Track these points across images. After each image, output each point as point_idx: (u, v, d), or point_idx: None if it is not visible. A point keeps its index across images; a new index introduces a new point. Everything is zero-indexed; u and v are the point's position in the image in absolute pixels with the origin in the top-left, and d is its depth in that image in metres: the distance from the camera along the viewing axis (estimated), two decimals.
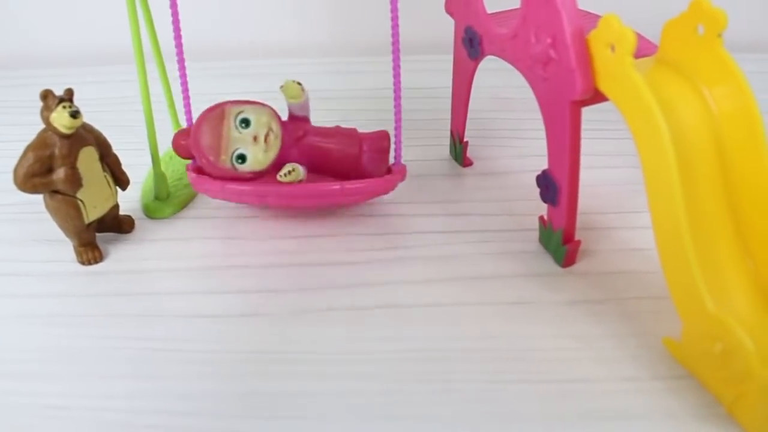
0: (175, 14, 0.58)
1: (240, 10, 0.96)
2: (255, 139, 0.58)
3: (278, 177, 0.58)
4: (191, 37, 0.66)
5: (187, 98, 0.60)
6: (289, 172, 0.58)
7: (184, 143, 0.59)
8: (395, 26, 0.58)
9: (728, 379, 0.44)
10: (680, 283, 0.46)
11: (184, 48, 0.59)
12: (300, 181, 0.59)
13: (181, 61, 0.59)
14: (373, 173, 0.61)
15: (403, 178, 0.62)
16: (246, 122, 0.58)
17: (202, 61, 0.72)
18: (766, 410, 0.42)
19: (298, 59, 0.91)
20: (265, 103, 0.60)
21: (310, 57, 0.92)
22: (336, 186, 0.58)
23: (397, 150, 0.62)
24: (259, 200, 0.61)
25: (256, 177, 0.59)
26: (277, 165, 0.59)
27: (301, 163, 0.59)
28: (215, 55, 0.90)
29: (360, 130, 0.62)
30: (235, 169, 0.58)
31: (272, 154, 0.58)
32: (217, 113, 0.58)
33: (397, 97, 0.60)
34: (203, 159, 0.58)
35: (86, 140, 0.56)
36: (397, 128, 0.61)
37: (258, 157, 0.58)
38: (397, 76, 0.59)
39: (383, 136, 0.61)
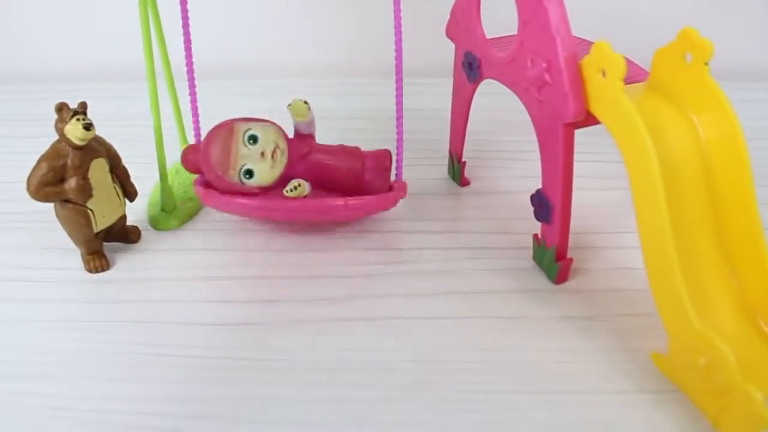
0: (186, 34, 0.61)
1: (249, 31, 0.99)
2: (263, 155, 0.59)
3: (284, 192, 0.59)
4: (201, 56, 0.68)
5: (196, 115, 0.63)
6: (295, 188, 0.59)
7: (192, 158, 0.61)
8: (399, 50, 0.60)
9: (712, 393, 0.45)
10: (667, 299, 0.47)
11: (195, 67, 0.62)
12: (305, 197, 0.60)
13: (191, 80, 0.62)
14: (375, 189, 0.63)
15: (404, 195, 0.64)
16: (254, 139, 0.59)
17: (210, 80, 0.74)
18: (748, 423, 0.43)
19: (304, 79, 0.93)
20: (273, 120, 0.62)
21: (315, 78, 0.94)
22: (339, 202, 0.60)
23: (399, 167, 0.64)
24: (265, 214, 0.63)
25: (262, 192, 0.60)
26: (283, 180, 0.60)
27: (306, 179, 0.61)
28: (223, 74, 0.92)
29: (363, 149, 0.64)
30: (243, 184, 0.59)
31: (278, 170, 0.60)
32: (226, 130, 0.59)
33: (399, 117, 0.62)
34: (212, 174, 0.60)
35: (97, 152, 0.58)
36: (399, 147, 0.63)
37: (265, 173, 0.59)
38: (399, 96, 0.62)
39: (385, 154, 0.63)
